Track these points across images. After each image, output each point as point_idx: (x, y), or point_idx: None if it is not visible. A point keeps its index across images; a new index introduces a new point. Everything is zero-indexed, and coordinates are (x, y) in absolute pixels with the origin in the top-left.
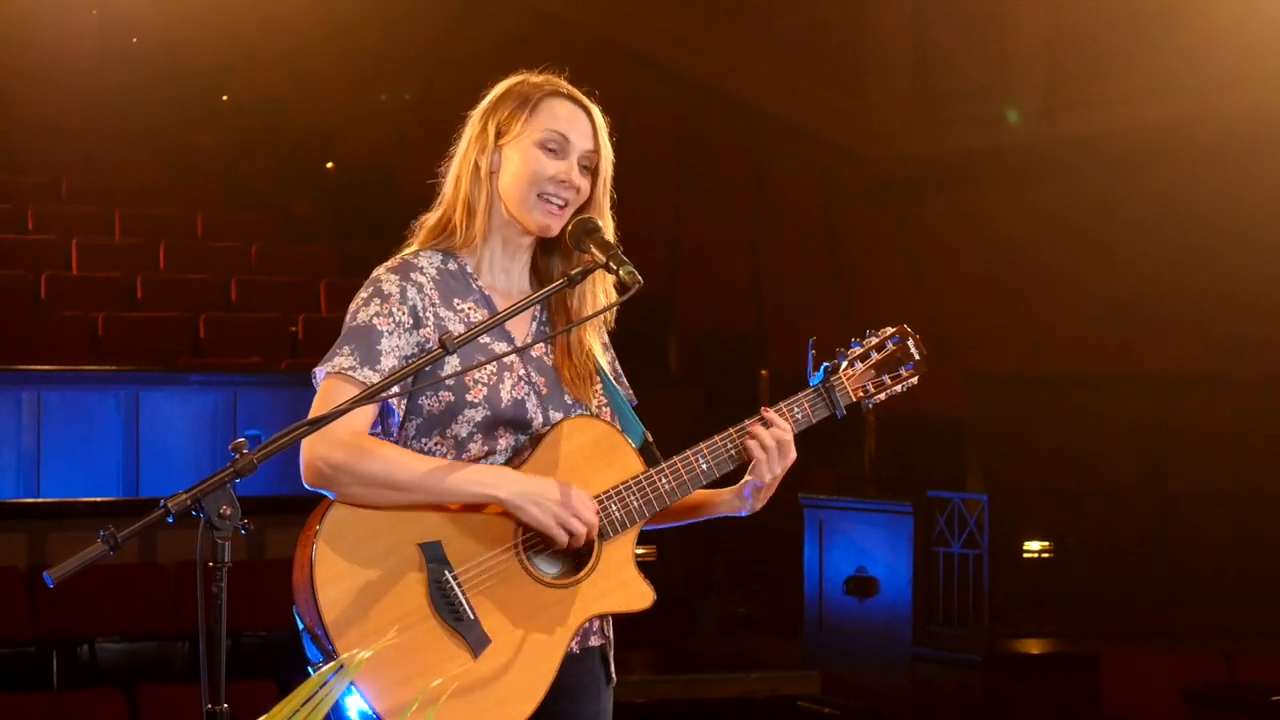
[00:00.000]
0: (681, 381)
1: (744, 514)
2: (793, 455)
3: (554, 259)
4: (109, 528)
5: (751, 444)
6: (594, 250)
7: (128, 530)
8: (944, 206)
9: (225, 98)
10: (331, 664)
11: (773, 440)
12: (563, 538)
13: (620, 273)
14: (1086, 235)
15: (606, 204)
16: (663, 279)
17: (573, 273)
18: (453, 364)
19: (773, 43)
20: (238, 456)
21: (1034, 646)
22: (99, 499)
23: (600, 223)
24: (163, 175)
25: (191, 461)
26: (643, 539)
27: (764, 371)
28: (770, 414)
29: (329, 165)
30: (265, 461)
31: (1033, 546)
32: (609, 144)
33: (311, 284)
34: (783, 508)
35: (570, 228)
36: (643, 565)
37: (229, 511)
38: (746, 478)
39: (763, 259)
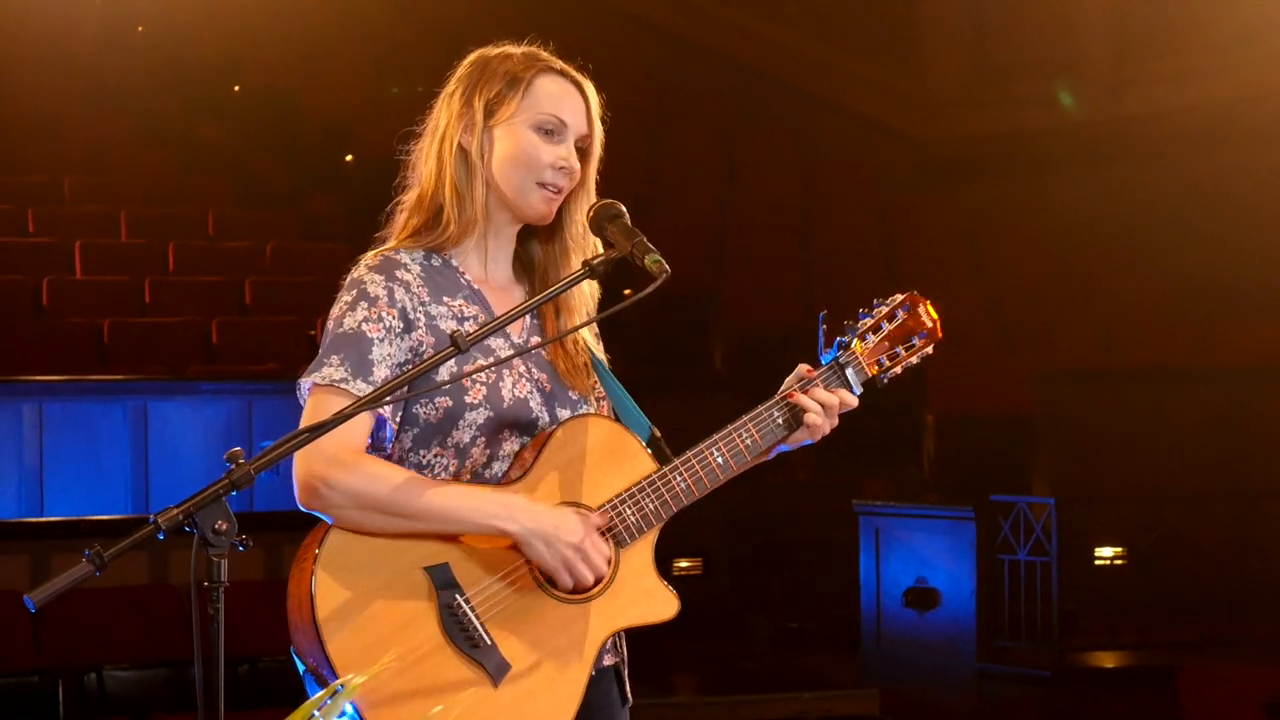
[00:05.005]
0: (727, 384)
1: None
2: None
3: (534, 244)
4: (95, 546)
5: (805, 401)
6: (617, 238)
7: (115, 548)
8: (1006, 190)
9: (236, 89)
10: (328, 689)
11: (834, 399)
12: (567, 582)
13: (645, 261)
14: (1157, 218)
15: (593, 187)
16: (707, 275)
17: (594, 262)
18: (449, 366)
19: (822, 22)
20: (233, 467)
21: (1108, 659)
22: (106, 517)
23: (623, 208)
24: (171, 172)
25: (204, 475)
26: (689, 551)
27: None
28: (811, 375)
29: (348, 158)
30: (262, 472)
31: (1105, 552)
32: (600, 123)
33: (330, 284)
34: (837, 515)
35: (592, 213)
36: (689, 579)
37: (224, 526)
38: (799, 436)
39: (814, 251)
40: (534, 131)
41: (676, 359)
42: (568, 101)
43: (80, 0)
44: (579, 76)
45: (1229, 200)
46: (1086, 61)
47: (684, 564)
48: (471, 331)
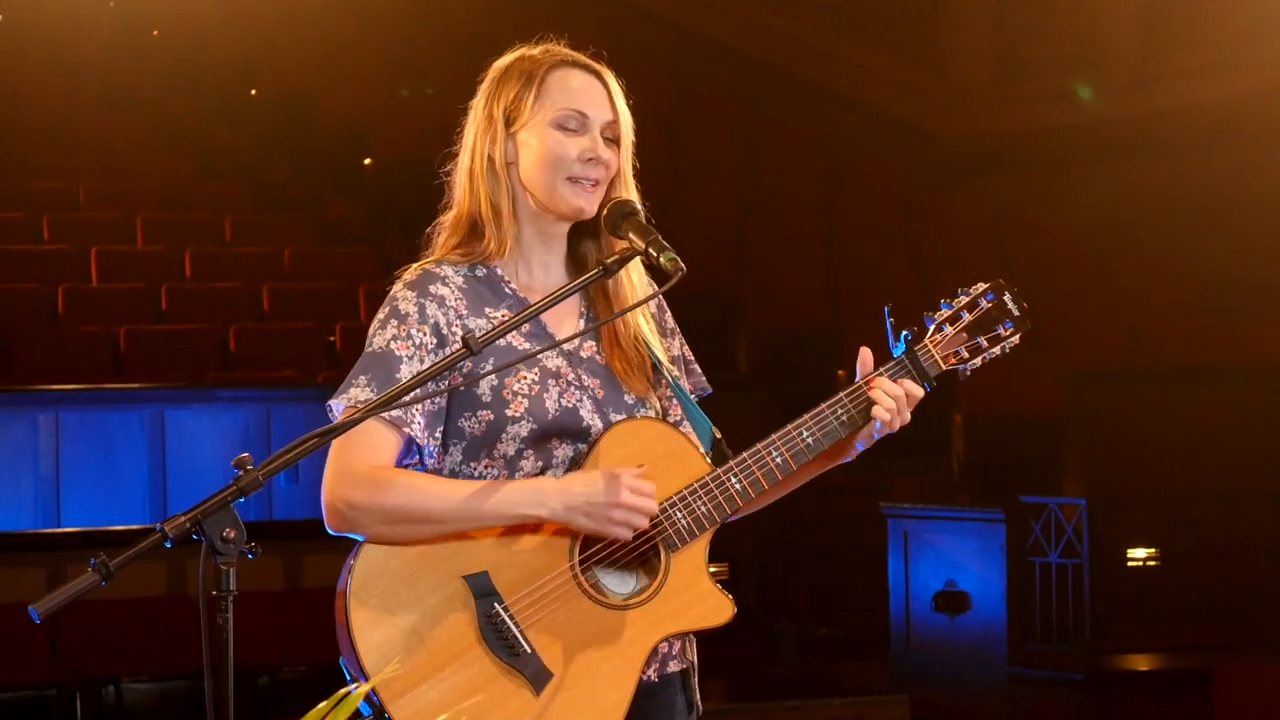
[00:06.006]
0: (752, 384)
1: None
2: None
3: (589, 243)
4: (100, 555)
5: (878, 394)
6: (631, 236)
7: (121, 557)
8: (1032, 188)
9: (253, 93)
10: (333, 697)
11: (901, 390)
12: (626, 535)
13: (660, 259)
14: (1187, 214)
15: (630, 174)
16: (729, 274)
17: (608, 261)
18: (489, 380)
19: (842, 18)
20: (241, 473)
21: (1141, 662)
22: (123, 528)
23: (637, 205)
24: (187, 178)
25: (222, 484)
26: (715, 556)
27: (841, 371)
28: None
29: (366, 162)
30: (272, 478)
31: (1137, 554)
32: (627, 108)
33: (349, 290)
34: (865, 518)
35: (605, 212)
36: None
37: (233, 534)
38: (868, 430)
39: (837, 250)
40: (555, 129)
41: (700, 359)
42: (585, 92)
43: (94, 4)
44: (595, 64)
45: (1256, 194)
46: (1111, 56)
47: (710, 569)
48: (486, 331)
